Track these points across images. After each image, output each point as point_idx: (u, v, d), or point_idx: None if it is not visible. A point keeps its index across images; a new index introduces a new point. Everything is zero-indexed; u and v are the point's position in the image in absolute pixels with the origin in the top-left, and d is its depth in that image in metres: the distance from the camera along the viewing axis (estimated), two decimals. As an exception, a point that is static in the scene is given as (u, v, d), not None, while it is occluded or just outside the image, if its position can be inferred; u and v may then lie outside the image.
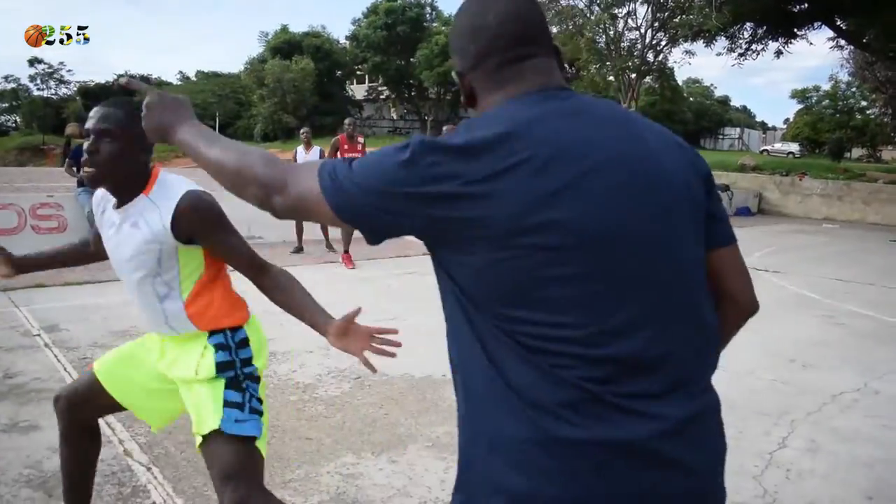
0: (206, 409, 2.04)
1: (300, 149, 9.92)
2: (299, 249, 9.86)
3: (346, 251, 8.93)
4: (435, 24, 51.42)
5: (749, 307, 1.33)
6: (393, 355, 1.92)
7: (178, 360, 2.15)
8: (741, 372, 4.91)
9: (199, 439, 2.03)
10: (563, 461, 1.06)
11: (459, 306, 1.14)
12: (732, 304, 1.31)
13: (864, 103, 40.49)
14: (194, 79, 62.72)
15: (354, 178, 1.09)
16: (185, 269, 2.08)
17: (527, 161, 1.04)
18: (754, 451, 3.64)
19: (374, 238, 1.15)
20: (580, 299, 1.06)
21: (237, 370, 2.09)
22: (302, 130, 10.41)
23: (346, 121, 9.35)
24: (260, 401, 2.10)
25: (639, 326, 1.08)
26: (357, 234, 8.72)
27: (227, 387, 2.06)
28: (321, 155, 9.73)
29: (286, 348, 5.16)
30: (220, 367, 2.07)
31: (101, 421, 3.65)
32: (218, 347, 2.09)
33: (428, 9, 52.59)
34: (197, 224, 2.01)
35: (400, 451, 3.52)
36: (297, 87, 46.92)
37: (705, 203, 1.21)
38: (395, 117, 59.38)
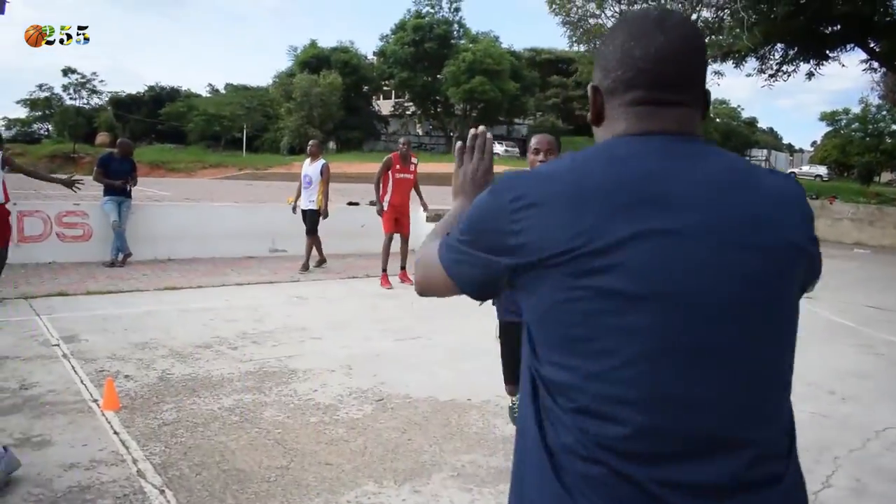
0: None
1: (307, 161, 9.77)
2: (321, 262, 9.82)
3: (384, 270, 8.77)
4: (462, 42, 51.64)
5: None
6: None
7: None
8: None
9: None
10: None
11: (529, 348, 1.05)
12: None
13: (894, 127, 39.90)
14: (223, 91, 63.35)
15: None
16: None
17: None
18: (797, 490, 3.43)
19: None
20: (635, 355, 0.93)
21: None
22: (310, 142, 10.13)
23: (401, 140, 9.08)
24: None
25: (700, 401, 0.94)
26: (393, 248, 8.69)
27: None
28: (324, 169, 9.52)
29: (307, 366, 5.03)
30: None
31: (114, 438, 3.59)
32: None
33: (455, 26, 52.89)
34: None
35: (423, 480, 3.36)
36: (324, 101, 47.24)
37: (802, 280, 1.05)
38: (420, 133, 59.61)
